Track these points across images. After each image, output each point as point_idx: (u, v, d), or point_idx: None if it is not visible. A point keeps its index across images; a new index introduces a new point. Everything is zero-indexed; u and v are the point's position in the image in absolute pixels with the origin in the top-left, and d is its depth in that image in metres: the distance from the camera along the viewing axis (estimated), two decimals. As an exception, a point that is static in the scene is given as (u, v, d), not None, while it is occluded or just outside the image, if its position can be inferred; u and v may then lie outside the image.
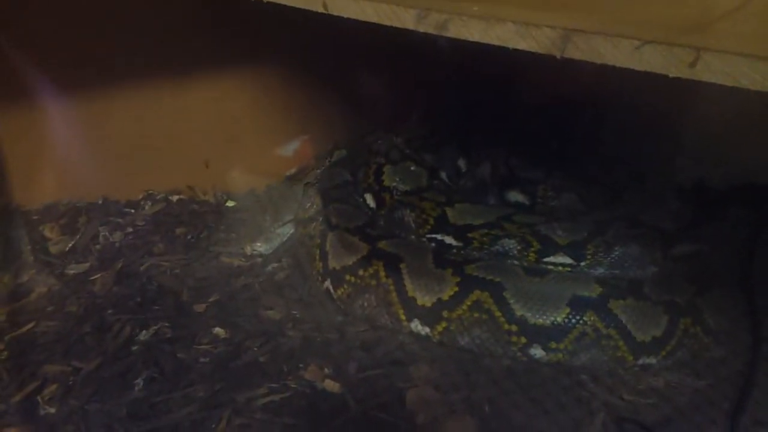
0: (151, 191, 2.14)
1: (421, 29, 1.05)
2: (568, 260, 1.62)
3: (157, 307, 1.68)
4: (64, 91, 1.94)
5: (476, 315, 1.48)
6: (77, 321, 1.62)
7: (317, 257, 1.76)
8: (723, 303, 1.55)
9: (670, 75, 0.81)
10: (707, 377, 1.47)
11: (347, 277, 1.63)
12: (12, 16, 1.80)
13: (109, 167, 2.08)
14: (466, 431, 1.33)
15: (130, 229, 1.99)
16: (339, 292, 1.66)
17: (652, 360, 1.47)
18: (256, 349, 1.54)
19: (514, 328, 1.46)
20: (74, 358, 1.51)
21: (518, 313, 1.46)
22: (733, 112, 1.76)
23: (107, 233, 1.97)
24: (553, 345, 1.46)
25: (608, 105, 2.06)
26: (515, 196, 1.98)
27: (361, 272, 1.60)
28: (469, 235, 1.66)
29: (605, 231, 1.62)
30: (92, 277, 1.79)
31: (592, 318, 1.44)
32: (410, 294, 1.54)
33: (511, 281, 1.49)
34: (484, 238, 1.65)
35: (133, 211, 2.08)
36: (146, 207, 2.10)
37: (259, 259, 1.89)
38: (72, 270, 1.82)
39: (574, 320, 1.44)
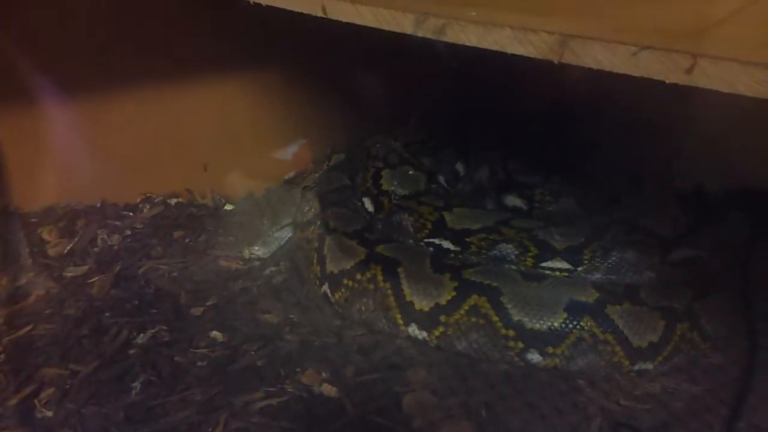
0: (149, 194, 2.14)
1: (420, 34, 1.05)
2: (565, 265, 1.62)
3: (154, 311, 1.68)
4: (63, 94, 1.94)
5: (473, 320, 1.48)
6: (75, 324, 1.62)
7: (315, 261, 1.76)
8: (720, 308, 1.56)
9: (667, 81, 0.81)
10: (704, 383, 1.47)
11: (345, 281, 1.63)
12: (11, 18, 1.80)
13: (107, 170, 2.08)
14: (463, 436, 1.33)
15: (129, 232, 1.99)
16: (337, 296, 1.66)
17: (649, 365, 1.47)
18: (253, 352, 1.54)
19: (511, 332, 1.46)
20: (72, 361, 1.50)
21: (515, 317, 1.46)
22: (730, 117, 1.77)
23: (105, 236, 1.97)
24: (550, 350, 1.46)
25: (606, 110, 2.06)
26: (513, 200, 1.98)
27: (358, 276, 1.61)
28: (467, 239, 1.66)
29: (602, 236, 1.62)
30: (90, 280, 1.79)
31: (589, 323, 1.44)
32: (408, 298, 1.54)
33: (508, 286, 1.49)
34: (482, 243, 1.65)
35: (131, 214, 2.08)
36: (144, 210, 2.10)
37: (257, 263, 1.89)
38: (70, 273, 1.82)
39: (571, 325, 1.44)
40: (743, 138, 1.89)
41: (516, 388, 1.45)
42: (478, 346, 1.50)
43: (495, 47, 0.98)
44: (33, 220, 2.00)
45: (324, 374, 1.47)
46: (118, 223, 2.03)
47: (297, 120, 2.30)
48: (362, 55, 2.09)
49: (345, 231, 1.72)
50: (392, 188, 1.82)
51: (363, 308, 1.61)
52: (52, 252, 1.90)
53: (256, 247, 1.91)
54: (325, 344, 1.57)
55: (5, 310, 1.67)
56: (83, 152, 2.04)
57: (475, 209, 1.78)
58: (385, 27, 1.10)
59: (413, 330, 1.55)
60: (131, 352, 1.54)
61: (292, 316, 1.67)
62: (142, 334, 1.59)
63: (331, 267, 1.67)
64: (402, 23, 1.07)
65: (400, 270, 1.56)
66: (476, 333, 1.49)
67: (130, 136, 2.06)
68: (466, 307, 1.49)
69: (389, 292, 1.56)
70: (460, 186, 2.04)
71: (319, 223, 1.82)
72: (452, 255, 1.68)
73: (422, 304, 1.52)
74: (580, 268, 1.62)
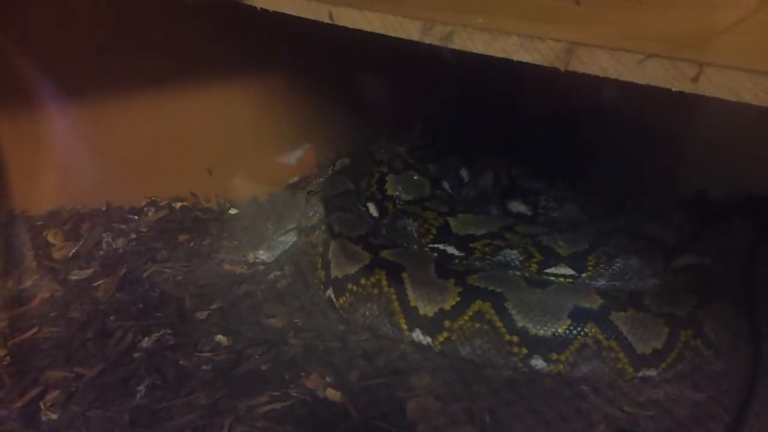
0: (154, 198, 2.15)
1: (427, 41, 1.06)
2: (569, 271, 1.62)
3: (159, 314, 1.68)
4: (68, 97, 1.95)
5: (478, 325, 1.49)
6: (80, 327, 1.62)
7: (319, 266, 1.76)
8: (724, 315, 1.55)
9: (673, 89, 0.82)
10: (707, 390, 1.47)
11: (349, 286, 1.63)
12: (14, 21, 1.81)
13: (112, 173, 2.09)
14: (467, 441, 1.34)
15: (134, 236, 2.00)
16: (341, 301, 1.66)
17: (653, 372, 1.47)
18: (257, 357, 1.54)
19: (515, 338, 1.47)
20: (76, 364, 1.51)
21: (519, 323, 1.46)
22: (733, 124, 1.77)
23: (110, 239, 1.97)
24: (554, 356, 1.46)
25: (610, 116, 2.06)
26: (517, 206, 1.99)
27: (363, 281, 1.61)
28: (471, 245, 1.66)
29: (607, 242, 1.62)
30: (95, 284, 1.79)
31: (593, 329, 1.44)
32: (412, 303, 1.54)
33: (512, 292, 1.49)
34: (486, 249, 1.65)
35: (136, 217, 2.09)
36: (149, 214, 2.10)
37: (262, 267, 1.90)
38: (75, 276, 1.83)
39: (575, 331, 1.44)
40: (747, 145, 1.89)
41: (520, 394, 1.45)
42: (482, 352, 1.50)
43: (501, 54, 0.99)
44: (38, 223, 2.00)
45: (328, 379, 1.47)
46: (123, 226, 2.04)
47: (301, 124, 2.30)
48: (367, 60, 2.09)
49: (349, 236, 1.72)
50: (397, 193, 1.83)
51: (367, 313, 1.61)
52: (57, 255, 1.91)
53: (261, 252, 1.92)
54: (330, 349, 1.57)
55: (10, 313, 1.68)
56: (87, 155, 2.05)
57: (479, 215, 1.78)
58: (392, 33, 1.10)
59: (417, 335, 1.56)
60: (136, 355, 1.54)
61: (297, 321, 1.67)
62: (146, 338, 1.59)
63: (335, 272, 1.68)
64: (409, 30, 1.07)
65: (404, 275, 1.57)
66: (480, 338, 1.49)
67: (134, 139, 2.07)
68: (471, 313, 1.49)
69: (393, 297, 1.56)
70: (464, 192, 2.04)
71: (323, 227, 1.82)
72: (456, 260, 1.68)
73: (426, 309, 1.53)
74: (584, 275, 1.62)
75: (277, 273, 1.88)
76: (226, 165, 2.22)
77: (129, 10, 1.92)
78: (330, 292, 1.70)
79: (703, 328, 1.50)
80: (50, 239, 1.95)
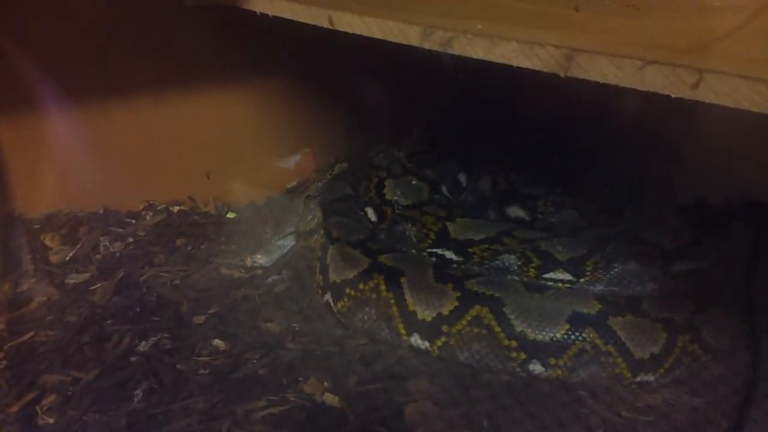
0: (152, 202, 2.15)
1: (426, 46, 1.06)
2: (567, 276, 1.62)
3: (156, 318, 1.68)
4: (67, 100, 1.95)
5: (476, 330, 1.49)
6: (77, 331, 1.62)
7: (318, 270, 1.76)
8: (722, 321, 1.56)
9: (673, 96, 0.82)
10: (705, 395, 1.47)
11: (348, 291, 1.63)
12: (13, 25, 1.81)
13: (110, 177, 2.09)
14: (465, 446, 1.33)
15: (131, 240, 2.00)
16: (339, 306, 1.66)
17: (650, 377, 1.47)
18: (255, 361, 1.53)
19: (513, 343, 1.46)
20: (73, 368, 1.50)
21: (518, 328, 1.46)
22: (731, 130, 1.78)
23: (108, 243, 1.97)
24: (552, 361, 1.46)
25: (608, 122, 2.07)
26: (516, 211, 1.99)
27: (361, 286, 1.61)
28: (470, 250, 1.66)
29: (605, 247, 1.62)
30: (92, 287, 1.79)
31: (591, 334, 1.44)
32: (411, 308, 1.54)
33: (511, 297, 1.50)
34: (485, 253, 1.65)
35: (134, 221, 2.08)
36: (147, 217, 2.10)
37: (260, 271, 1.89)
38: (72, 280, 1.83)
39: (573, 336, 1.44)
40: (745, 151, 1.90)
41: (518, 399, 1.45)
42: (480, 357, 1.50)
43: (501, 60, 0.99)
44: (35, 226, 2.00)
45: (326, 383, 1.47)
46: (120, 230, 2.03)
47: (300, 129, 2.31)
48: (366, 65, 2.10)
49: (348, 240, 1.72)
50: (395, 198, 1.83)
51: (365, 318, 1.61)
52: (54, 258, 1.90)
53: (259, 256, 1.91)
54: (328, 353, 1.57)
55: (7, 317, 1.68)
56: (86, 159, 2.05)
57: (477, 220, 1.78)
58: (392, 39, 1.11)
59: (415, 340, 1.56)
60: (133, 359, 1.53)
61: (295, 325, 1.67)
62: (144, 342, 1.58)
63: (333, 276, 1.68)
64: (409, 35, 1.08)
65: (402, 280, 1.57)
66: (478, 343, 1.49)
67: (133, 143, 2.07)
68: (469, 318, 1.49)
69: (392, 301, 1.56)
70: (463, 196, 2.04)
71: (321, 232, 1.82)
72: (455, 265, 1.68)
73: (425, 314, 1.53)
74: (582, 280, 1.62)
75: (275, 277, 1.87)
76: (224, 169, 2.22)
77: (128, 13, 1.93)
78: (328, 296, 1.70)
79: (700, 333, 1.50)
80: (47, 242, 1.95)
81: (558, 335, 1.45)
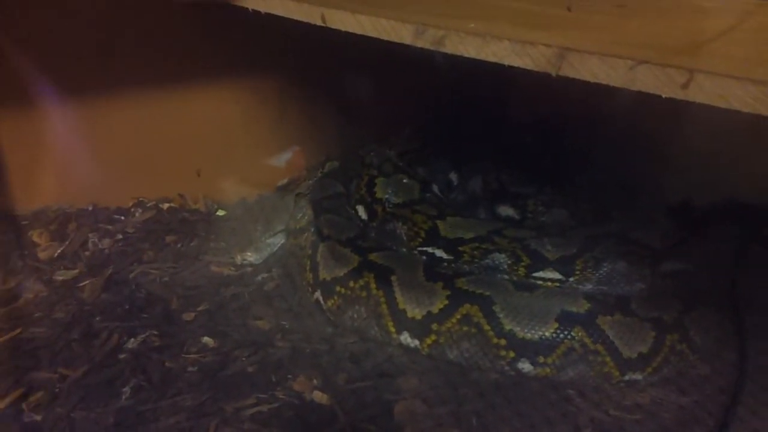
0: (141, 198, 2.13)
1: (419, 45, 1.06)
2: (557, 275, 1.63)
3: (145, 315, 1.67)
4: (56, 97, 1.94)
5: (465, 328, 1.49)
6: (65, 328, 1.61)
7: (308, 268, 1.76)
8: (709, 320, 1.57)
9: (663, 96, 0.82)
10: (692, 394, 1.48)
11: (338, 289, 1.63)
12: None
13: (99, 174, 2.08)
14: (454, 444, 1.34)
15: (120, 236, 1.99)
16: (329, 304, 1.66)
17: (638, 376, 1.48)
18: (244, 359, 1.53)
19: (502, 342, 1.47)
20: (61, 365, 1.49)
21: (507, 327, 1.46)
22: (719, 131, 1.79)
23: (97, 240, 1.96)
24: (541, 359, 1.46)
25: (599, 122, 2.08)
26: (506, 210, 1.99)
27: (351, 284, 1.61)
28: (460, 248, 1.67)
29: (594, 247, 1.63)
30: (81, 284, 1.78)
31: (579, 333, 1.45)
32: (401, 306, 1.54)
33: (500, 295, 1.50)
34: (475, 252, 1.65)
35: (123, 218, 2.07)
36: (136, 214, 2.09)
37: (249, 269, 1.89)
38: (60, 276, 1.81)
39: (562, 335, 1.45)
40: (732, 152, 1.92)
41: (506, 397, 1.45)
42: (469, 355, 1.51)
43: (493, 59, 0.99)
44: (24, 222, 1.98)
45: (315, 381, 1.47)
46: (109, 227, 2.02)
47: (291, 127, 2.30)
48: (358, 63, 2.10)
49: (338, 238, 1.72)
50: (386, 196, 1.83)
51: (355, 316, 1.61)
52: (42, 255, 1.89)
53: (249, 253, 1.91)
54: (317, 351, 1.57)
55: (-6, 313, 1.67)
56: (75, 155, 2.04)
57: (468, 218, 1.78)
58: (385, 37, 1.11)
59: (405, 338, 1.56)
60: (121, 356, 1.53)
61: (284, 323, 1.67)
62: (132, 339, 1.58)
63: (323, 274, 1.68)
64: (401, 34, 1.08)
65: (393, 278, 1.57)
66: (468, 342, 1.50)
67: (122, 140, 2.06)
68: (458, 316, 1.49)
69: (382, 299, 1.56)
70: (453, 195, 2.05)
71: (312, 230, 1.82)
72: (445, 264, 1.68)
73: (415, 312, 1.53)
74: (571, 279, 1.62)
75: (265, 275, 1.87)
76: (214, 166, 2.21)
77: (118, 12, 1.91)
78: (318, 294, 1.70)
79: (688, 332, 1.51)
80: (36, 239, 1.94)
81: (547, 334, 1.45)
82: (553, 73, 0.92)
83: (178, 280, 1.82)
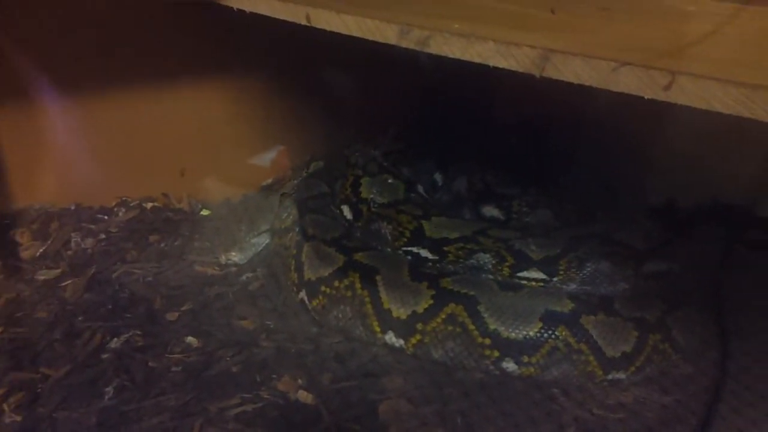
0: (125, 198, 2.12)
1: (404, 45, 1.06)
2: (541, 275, 1.64)
3: (128, 315, 1.66)
4: (39, 97, 1.92)
5: (450, 328, 1.49)
6: (47, 327, 1.60)
7: (292, 268, 1.76)
8: (691, 320, 1.59)
9: (646, 97, 0.83)
10: (675, 393, 1.49)
11: (322, 288, 1.63)
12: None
13: (82, 173, 2.06)
14: (439, 444, 1.34)
15: (103, 236, 1.97)
16: (314, 303, 1.66)
17: (622, 375, 1.49)
18: (228, 358, 1.53)
19: (487, 341, 1.48)
20: (43, 365, 1.48)
21: (491, 326, 1.47)
22: (702, 133, 1.81)
23: (79, 239, 1.95)
24: (526, 359, 1.47)
25: (583, 124, 2.09)
26: (490, 211, 2.00)
27: (336, 283, 1.61)
28: (445, 248, 1.67)
29: (578, 247, 1.64)
30: (63, 284, 1.77)
31: (563, 333, 1.46)
32: (385, 306, 1.54)
33: (485, 295, 1.51)
34: (460, 252, 1.66)
35: (106, 217, 2.06)
36: (120, 214, 2.08)
37: (234, 269, 1.88)
38: (42, 276, 1.80)
39: (546, 335, 1.46)
40: (716, 154, 1.94)
41: (491, 396, 1.46)
42: (454, 355, 1.51)
43: (477, 60, 1.00)
44: (5, 221, 1.97)
45: (300, 381, 1.46)
46: (92, 226, 2.01)
47: (276, 126, 2.30)
48: (343, 63, 2.10)
49: (323, 238, 1.72)
50: (371, 196, 1.83)
51: (340, 315, 1.61)
52: (24, 254, 1.87)
53: (233, 253, 1.90)
54: (302, 351, 1.57)
55: (-25, 313, 1.65)
56: (57, 154, 2.02)
57: (453, 219, 1.79)
58: (370, 37, 1.11)
59: (390, 338, 1.56)
60: (104, 356, 1.52)
61: (269, 323, 1.67)
62: (115, 339, 1.57)
63: (308, 274, 1.67)
64: (386, 34, 1.08)
65: (378, 278, 1.57)
66: (452, 341, 1.50)
67: (105, 139, 2.05)
68: (443, 316, 1.50)
69: (367, 299, 1.56)
70: (438, 196, 2.05)
71: (297, 229, 1.81)
72: (430, 264, 1.69)
73: (399, 312, 1.53)
74: (555, 279, 1.63)
75: (250, 275, 1.86)
76: (199, 166, 2.20)
77: (101, 11, 1.90)
78: (303, 294, 1.69)
79: (671, 332, 1.53)
80: (18, 238, 1.92)
81: (531, 333, 1.46)
82: (537, 75, 0.92)
83: (162, 280, 1.81)
